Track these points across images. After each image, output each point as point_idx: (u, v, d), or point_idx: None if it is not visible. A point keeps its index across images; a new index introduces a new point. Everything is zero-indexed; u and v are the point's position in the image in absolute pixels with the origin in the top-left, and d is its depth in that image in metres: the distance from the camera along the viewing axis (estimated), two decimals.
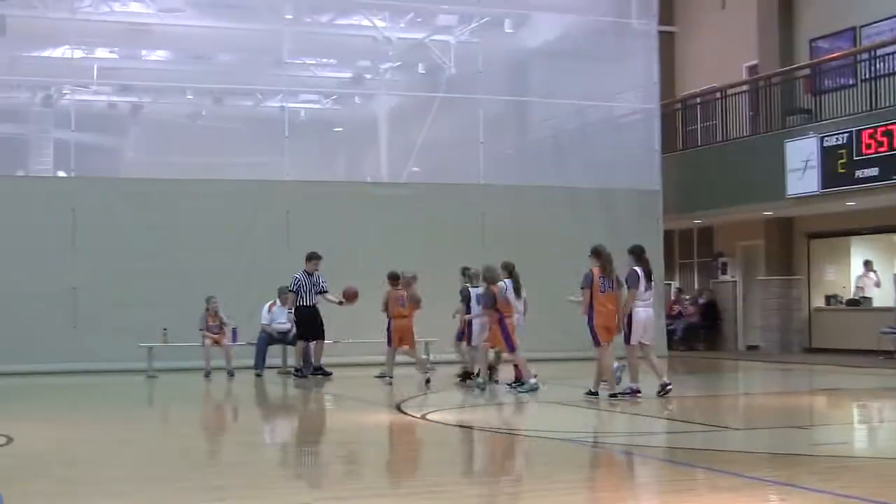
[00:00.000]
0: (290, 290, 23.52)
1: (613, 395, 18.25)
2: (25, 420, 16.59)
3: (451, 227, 27.32)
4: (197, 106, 31.90)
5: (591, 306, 18.38)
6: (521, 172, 30.99)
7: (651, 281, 18.95)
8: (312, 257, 23.50)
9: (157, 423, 18.19)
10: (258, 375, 23.89)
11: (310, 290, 23.31)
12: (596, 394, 18.37)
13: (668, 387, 18.51)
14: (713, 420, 16.93)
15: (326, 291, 23.41)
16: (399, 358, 22.02)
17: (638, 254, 18.86)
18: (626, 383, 18.54)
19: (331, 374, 23.51)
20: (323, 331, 23.48)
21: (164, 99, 31.85)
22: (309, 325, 23.28)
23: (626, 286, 18.68)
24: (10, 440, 13.66)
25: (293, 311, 23.37)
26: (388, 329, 21.54)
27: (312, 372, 23.18)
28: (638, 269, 18.68)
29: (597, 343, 18.39)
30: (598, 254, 18.65)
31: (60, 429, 16.13)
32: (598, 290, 18.37)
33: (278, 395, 21.05)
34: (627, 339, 18.62)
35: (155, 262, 25.90)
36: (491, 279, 19.78)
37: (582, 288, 18.62)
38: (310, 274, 23.36)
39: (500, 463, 13.20)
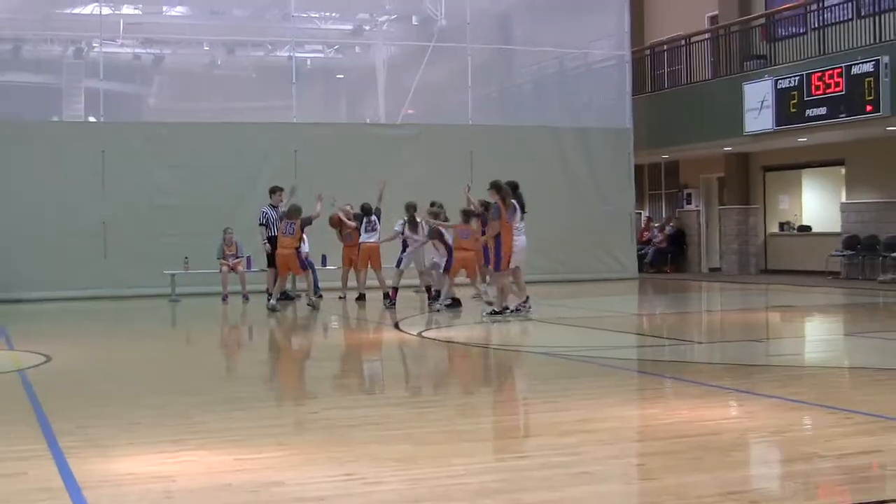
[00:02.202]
0: (260, 223, 22.82)
1: (500, 312, 18.29)
2: (62, 341, 16.61)
3: (442, 164, 27.26)
4: (213, 56, 31.72)
5: (499, 236, 18.17)
6: (505, 114, 31.00)
7: (525, 212, 18.76)
8: (276, 190, 22.94)
9: (181, 342, 18.24)
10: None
11: (276, 222, 22.70)
12: (503, 312, 18.30)
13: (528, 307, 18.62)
14: (679, 335, 17.00)
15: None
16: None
17: (513, 188, 18.64)
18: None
19: (294, 298, 23.31)
20: None
21: (183, 50, 31.68)
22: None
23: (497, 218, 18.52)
24: (49, 359, 13.69)
25: (266, 242, 22.70)
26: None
27: (280, 298, 22.57)
28: (513, 201, 18.49)
29: (499, 268, 18.32)
30: (498, 188, 18.36)
31: (94, 349, 16.20)
32: (507, 220, 18.18)
33: (290, 317, 21.08)
34: (499, 265, 18.37)
35: (176, 198, 25.93)
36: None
37: (493, 220, 18.38)
38: (275, 207, 22.82)
39: (486, 374, 13.26)
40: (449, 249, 20.31)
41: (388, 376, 13.41)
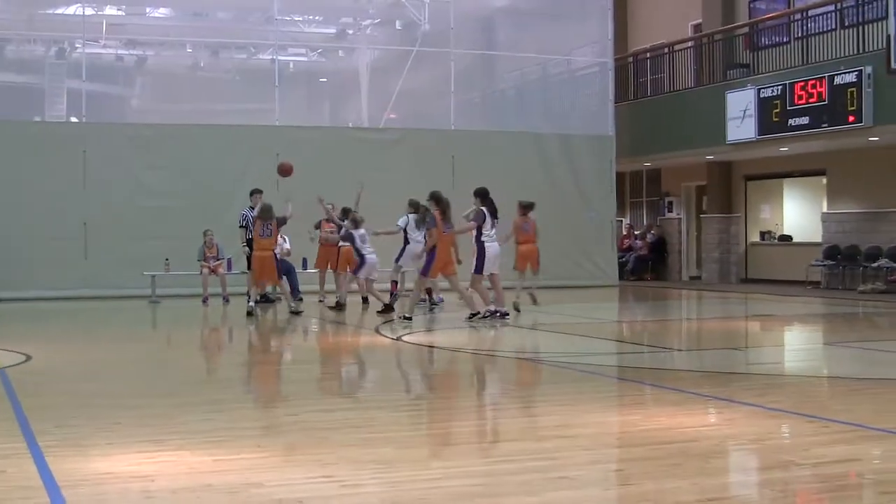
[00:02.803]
0: (240, 226, 22.95)
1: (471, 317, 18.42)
2: (42, 341, 16.58)
3: (424, 169, 27.27)
4: (196, 58, 31.70)
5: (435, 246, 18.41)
6: (488, 119, 31.08)
7: (496, 219, 18.91)
8: (255, 192, 22.96)
9: (162, 344, 18.20)
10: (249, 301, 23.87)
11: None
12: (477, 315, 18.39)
13: (507, 316, 18.69)
14: (659, 342, 17.04)
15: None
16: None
17: (483, 195, 18.81)
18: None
19: (274, 301, 23.35)
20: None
21: (166, 52, 31.67)
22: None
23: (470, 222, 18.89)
24: (28, 358, 13.68)
25: (245, 244, 22.73)
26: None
27: (260, 301, 22.62)
28: (483, 208, 18.65)
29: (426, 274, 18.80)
30: (437, 199, 18.64)
31: (74, 349, 16.15)
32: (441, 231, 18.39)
33: (269, 319, 21.08)
34: (479, 270, 18.69)
35: (158, 200, 25.94)
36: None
37: (429, 228, 18.58)
38: (255, 209, 22.85)
39: (465, 379, 13.29)
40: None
41: (367, 380, 13.43)
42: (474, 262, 18.72)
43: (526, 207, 20.55)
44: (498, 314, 18.52)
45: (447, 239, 18.55)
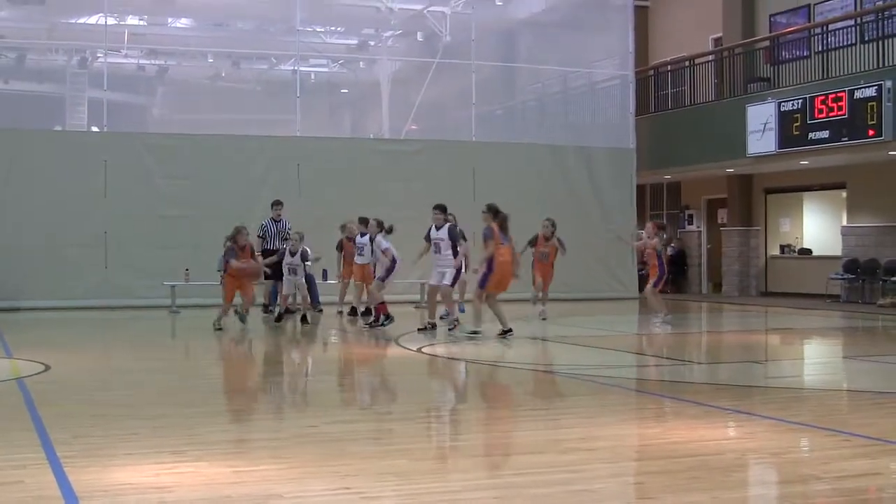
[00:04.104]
0: (258, 236, 22.81)
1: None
2: (61, 350, 16.59)
3: (444, 180, 27.28)
4: (217, 69, 31.84)
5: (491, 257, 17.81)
6: (508, 131, 31.05)
7: (507, 235, 18.31)
8: (276, 204, 23.09)
9: (181, 353, 18.24)
10: (269, 311, 23.87)
11: (275, 235, 22.85)
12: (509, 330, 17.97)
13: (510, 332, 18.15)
14: (679, 355, 16.99)
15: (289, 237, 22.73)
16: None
17: (494, 212, 18.24)
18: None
19: (294, 311, 23.34)
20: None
21: (187, 62, 31.82)
22: (276, 267, 22.61)
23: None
24: (47, 367, 13.69)
25: (261, 254, 22.69)
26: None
27: (284, 313, 22.52)
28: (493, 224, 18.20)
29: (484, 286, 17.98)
30: (494, 211, 18.14)
31: (93, 358, 16.18)
32: (499, 243, 17.88)
33: (288, 330, 21.05)
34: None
35: (178, 210, 25.95)
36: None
37: (486, 240, 17.98)
38: (276, 221, 22.95)
39: (486, 391, 13.25)
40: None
41: (387, 391, 13.39)
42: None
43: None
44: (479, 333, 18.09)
45: (505, 252, 18.05)
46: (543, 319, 21.37)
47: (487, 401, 12.40)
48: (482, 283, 18.00)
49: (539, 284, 21.86)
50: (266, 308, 23.30)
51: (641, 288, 30.82)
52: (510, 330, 18.00)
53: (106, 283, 25.37)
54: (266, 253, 22.22)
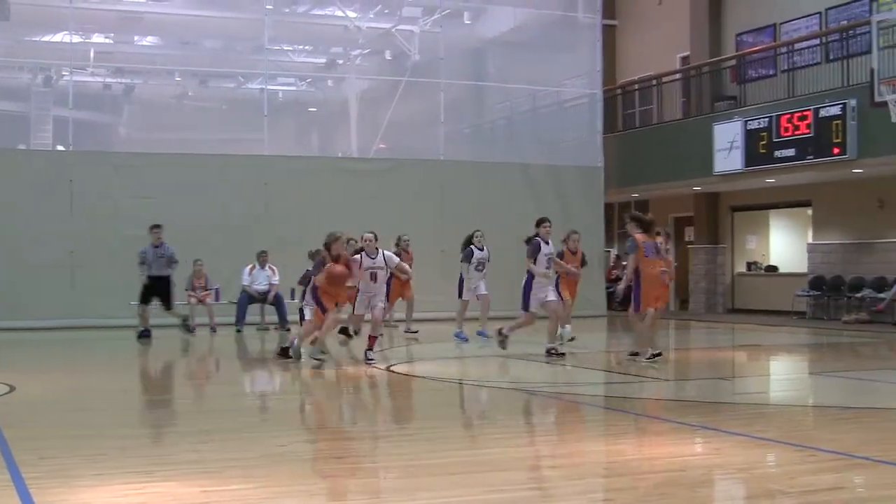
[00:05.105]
0: (139, 263, 22.64)
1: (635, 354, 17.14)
2: (27, 371, 16.54)
3: (413, 199, 27.36)
4: (184, 87, 31.75)
5: (637, 271, 16.61)
6: (477, 150, 31.05)
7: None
8: (155, 228, 22.79)
9: (148, 374, 18.16)
10: (238, 331, 23.87)
11: (156, 261, 22.57)
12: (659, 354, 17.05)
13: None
14: (646, 372, 17.04)
15: (175, 260, 22.67)
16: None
17: (638, 220, 17.06)
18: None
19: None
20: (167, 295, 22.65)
21: (153, 80, 31.74)
22: (150, 290, 22.55)
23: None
24: (12, 388, 13.62)
25: (145, 276, 22.52)
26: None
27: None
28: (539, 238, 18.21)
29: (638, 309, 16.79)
30: (639, 220, 16.90)
31: (59, 379, 16.08)
32: (644, 255, 16.58)
33: (256, 349, 21.04)
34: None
35: (145, 229, 25.62)
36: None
37: (628, 253, 16.92)
38: (156, 246, 22.68)
39: (453, 409, 13.29)
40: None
41: (357, 410, 13.41)
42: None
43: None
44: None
45: (654, 265, 16.86)
46: (571, 339, 20.57)
47: (455, 419, 12.42)
48: (636, 306, 16.84)
49: (567, 302, 20.71)
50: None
51: (610, 306, 31.06)
52: (659, 353, 17.21)
53: (73, 304, 25.19)
54: (150, 279, 22.28)
